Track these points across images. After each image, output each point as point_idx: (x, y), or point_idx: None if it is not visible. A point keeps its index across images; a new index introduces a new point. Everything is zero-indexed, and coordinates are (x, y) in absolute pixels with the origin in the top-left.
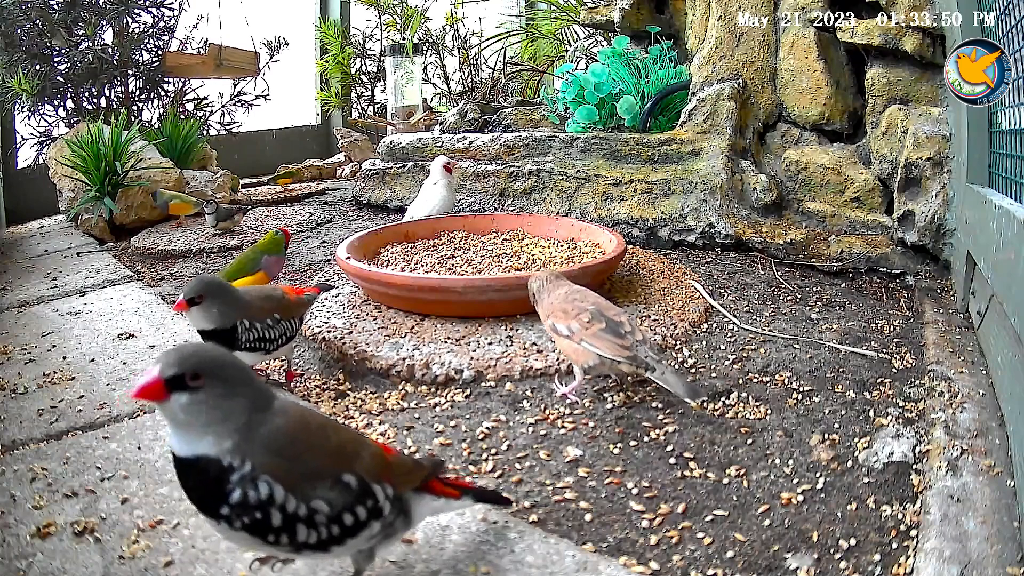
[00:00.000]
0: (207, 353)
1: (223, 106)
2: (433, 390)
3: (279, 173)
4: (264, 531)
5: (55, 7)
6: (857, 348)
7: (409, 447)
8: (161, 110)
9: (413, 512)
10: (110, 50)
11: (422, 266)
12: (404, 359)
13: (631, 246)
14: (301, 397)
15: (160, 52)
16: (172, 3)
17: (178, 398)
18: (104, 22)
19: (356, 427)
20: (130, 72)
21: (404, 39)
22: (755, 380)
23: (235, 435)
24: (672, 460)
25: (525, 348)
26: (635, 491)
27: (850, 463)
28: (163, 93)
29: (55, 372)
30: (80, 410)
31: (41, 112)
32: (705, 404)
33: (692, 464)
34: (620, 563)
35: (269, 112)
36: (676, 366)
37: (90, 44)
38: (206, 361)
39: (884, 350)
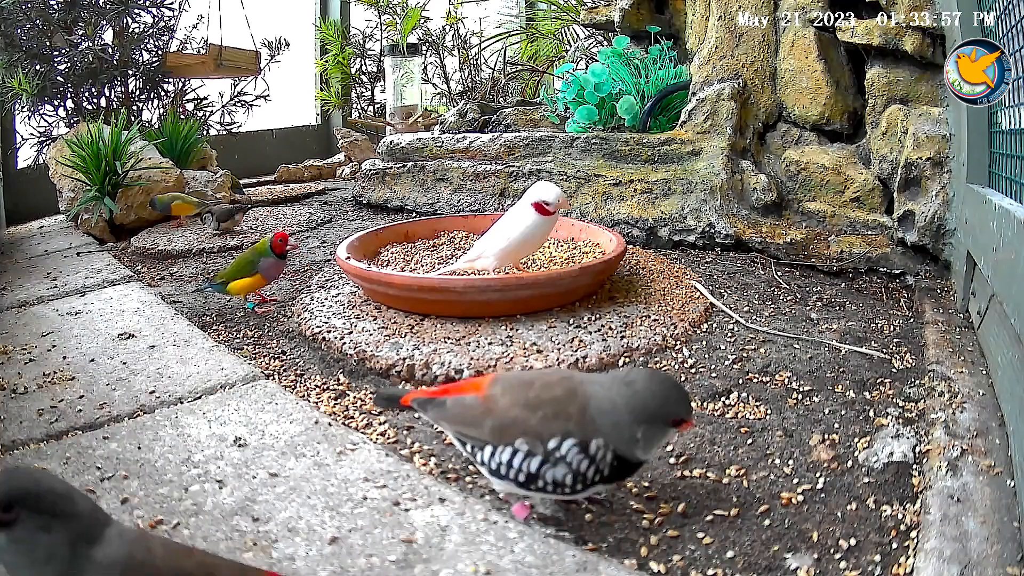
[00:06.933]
0: (20, 478)
1: (223, 106)
2: None
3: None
4: None
5: (55, 7)
6: (857, 348)
7: (410, 446)
8: (161, 110)
9: None
10: (110, 50)
11: (422, 266)
12: (404, 359)
13: (631, 246)
14: (301, 397)
15: (160, 52)
16: (172, 3)
17: None
18: (104, 22)
19: (356, 427)
20: (130, 72)
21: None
22: (755, 380)
23: None
24: (672, 460)
25: (525, 348)
26: (635, 491)
27: (850, 463)
28: (163, 93)
29: (55, 372)
30: (80, 410)
31: (41, 112)
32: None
33: (692, 464)
34: (620, 563)
35: (269, 112)
36: (676, 366)
37: (90, 44)
38: (17, 489)
39: (884, 350)
